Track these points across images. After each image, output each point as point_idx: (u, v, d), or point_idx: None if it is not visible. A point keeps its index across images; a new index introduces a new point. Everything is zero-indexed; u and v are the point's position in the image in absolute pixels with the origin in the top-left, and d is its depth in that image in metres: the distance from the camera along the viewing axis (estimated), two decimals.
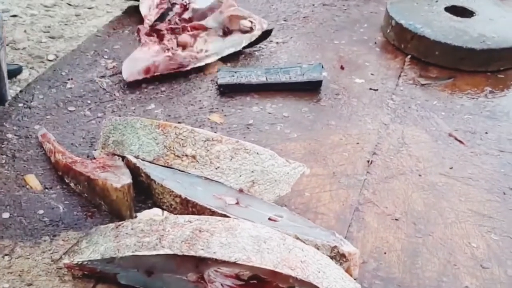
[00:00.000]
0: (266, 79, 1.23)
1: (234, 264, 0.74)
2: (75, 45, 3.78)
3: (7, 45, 3.81)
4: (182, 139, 0.94)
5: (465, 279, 0.86)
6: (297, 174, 0.91)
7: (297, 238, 0.80)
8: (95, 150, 1.03)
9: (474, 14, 1.47)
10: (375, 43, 1.46)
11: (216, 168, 0.92)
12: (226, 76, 1.23)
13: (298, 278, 0.73)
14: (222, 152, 0.92)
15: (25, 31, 3.98)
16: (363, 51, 1.42)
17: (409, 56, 1.40)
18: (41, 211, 0.91)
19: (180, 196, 0.88)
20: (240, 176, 0.92)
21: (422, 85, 1.31)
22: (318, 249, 0.79)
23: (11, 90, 2.41)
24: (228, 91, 1.22)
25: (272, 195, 0.91)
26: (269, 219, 0.86)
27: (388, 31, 1.45)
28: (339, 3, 1.65)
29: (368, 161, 1.07)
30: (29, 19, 3.63)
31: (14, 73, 3.53)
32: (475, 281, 0.86)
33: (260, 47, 1.40)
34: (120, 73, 1.23)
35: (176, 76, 1.26)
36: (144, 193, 0.94)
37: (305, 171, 0.92)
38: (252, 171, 0.91)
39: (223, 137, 0.93)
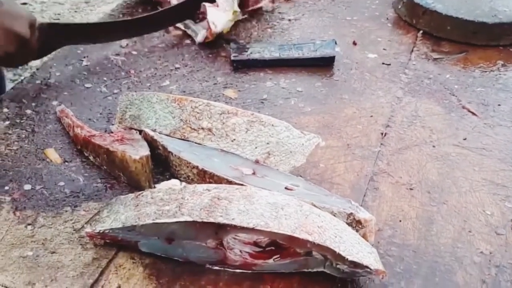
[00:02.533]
0: (279, 55, 1.24)
1: (252, 230, 0.75)
2: None
3: None
4: (198, 112, 0.95)
5: (479, 245, 0.87)
6: (312, 145, 0.92)
7: (314, 206, 0.81)
8: (113, 124, 1.04)
9: None
10: (387, 19, 1.46)
11: (232, 141, 0.93)
12: (239, 52, 1.24)
13: (315, 243, 0.74)
14: (238, 124, 0.93)
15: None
16: (375, 27, 1.42)
17: (421, 31, 1.41)
18: (61, 183, 0.93)
19: (197, 167, 0.89)
20: (256, 147, 0.93)
21: (435, 59, 1.31)
22: (334, 215, 0.81)
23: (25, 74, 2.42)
24: (241, 66, 1.23)
25: (287, 166, 0.92)
26: (286, 188, 0.87)
27: (400, 6, 1.46)
28: None
29: (382, 133, 1.08)
30: (39, 6, 3.64)
31: None
32: (489, 247, 0.87)
33: (272, 24, 1.41)
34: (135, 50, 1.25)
35: (188, 52, 1.28)
36: (162, 165, 0.96)
37: (320, 142, 0.93)
38: (268, 143, 0.93)
39: (238, 109, 0.94)
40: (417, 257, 0.85)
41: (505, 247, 0.87)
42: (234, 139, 0.93)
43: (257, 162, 0.92)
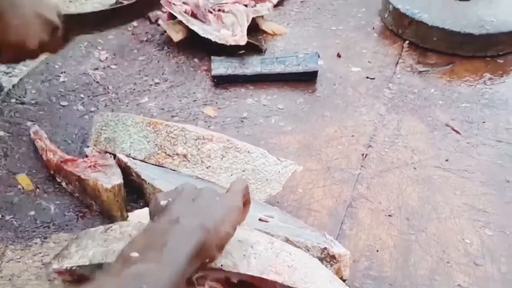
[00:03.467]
0: (261, 69, 1.22)
1: (221, 270, 0.73)
2: None
3: None
4: (173, 138, 0.93)
5: (457, 277, 0.85)
6: (289, 172, 0.91)
7: (287, 240, 0.79)
8: (87, 147, 1.02)
9: None
10: (373, 28, 1.44)
11: (207, 167, 0.92)
12: (220, 66, 1.22)
13: (284, 284, 0.72)
14: (213, 150, 0.91)
15: None
16: (361, 37, 1.40)
17: (407, 42, 1.38)
18: (32, 212, 0.91)
19: None
20: (231, 175, 0.91)
21: (420, 72, 1.29)
22: (308, 250, 0.79)
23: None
24: (222, 82, 1.20)
25: (263, 195, 0.90)
26: (260, 219, 0.85)
27: (386, 15, 1.43)
28: None
29: (363, 154, 1.06)
30: None
31: None
32: (467, 279, 0.85)
33: (257, 33, 1.38)
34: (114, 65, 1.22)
35: (169, 66, 1.26)
36: (136, 192, 0.94)
37: (297, 169, 0.91)
38: (243, 170, 0.91)
39: (213, 135, 0.92)
40: None
41: (483, 279, 0.85)
42: (210, 166, 0.91)
43: None
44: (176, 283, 0.58)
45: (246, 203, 0.73)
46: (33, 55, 0.97)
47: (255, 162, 0.91)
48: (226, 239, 0.67)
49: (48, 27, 0.96)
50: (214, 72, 1.20)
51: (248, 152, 0.92)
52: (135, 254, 0.59)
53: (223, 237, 0.66)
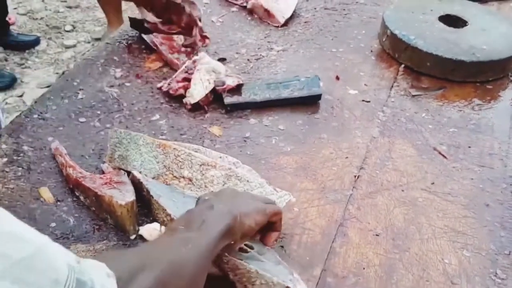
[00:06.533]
0: (269, 95, 1.31)
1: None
2: (91, 15, 3.88)
3: (25, 14, 3.90)
4: (180, 161, 1.03)
5: None
6: (283, 202, 1.00)
7: (257, 273, 0.86)
8: (104, 162, 1.12)
9: (467, 24, 1.53)
10: (371, 51, 1.53)
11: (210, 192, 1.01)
12: (231, 94, 1.30)
13: None
14: (216, 177, 1.01)
15: (42, 0, 4.06)
16: (359, 60, 1.49)
17: (402, 66, 1.47)
18: (53, 224, 1.01)
19: (170, 215, 0.97)
20: None
21: (413, 96, 1.38)
22: (273, 285, 0.86)
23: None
24: (235, 109, 1.29)
25: None
26: (240, 249, 0.92)
27: (384, 39, 1.52)
28: (340, 7, 1.71)
29: (355, 176, 1.15)
30: None
31: (32, 44, 3.64)
32: None
33: (261, 54, 1.48)
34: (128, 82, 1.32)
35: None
36: (147, 207, 1.03)
37: (291, 200, 1.00)
38: None
39: (217, 163, 1.01)
40: None
41: None
42: (212, 191, 1.00)
43: None
44: (210, 251, 0.78)
45: (275, 227, 0.95)
46: None
47: (253, 190, 1.00)
48: (248, 230, 0.87)
49: None
50: (226, 101, 1.29)
51: (248, 181, 1.01)
52: (181, 226, 0.80)
53: (247, 228, 0.86)
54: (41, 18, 3.94)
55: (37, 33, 3.81)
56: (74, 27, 3.87)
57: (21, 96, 3.21)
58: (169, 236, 0.80)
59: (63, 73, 3.35)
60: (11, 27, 3.65)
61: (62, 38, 3.75)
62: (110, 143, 1.09)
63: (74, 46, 3.68)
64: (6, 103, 3.06)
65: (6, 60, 3.48)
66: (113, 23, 3.42)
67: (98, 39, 3.69)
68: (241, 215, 0.85)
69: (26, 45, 3.65)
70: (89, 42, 3.71)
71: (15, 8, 3.94)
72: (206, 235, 0.79)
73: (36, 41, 3.70)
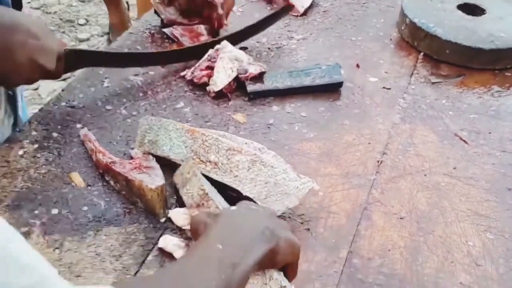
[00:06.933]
0: (291, 83, 1.32)
1: None
2: (104, 9, 3.90)
3: (38, 8, 3.93)
4: (207, 146, 1.05)
5: (460, 275, 0.97)
6: (306, 189, 1.02)
7: None
8: (132, 148, 1.14)
9: (485, 12, 1.54)
10: (390, 39, 1.54)
11: (235, 176, 1.03)
12: (253, 81, 1.32)
13: None
14: (241, 162, 1.02)
15: None
16: (378, 48, 1.50)
17: (421, 54, 1.49)
18: (85, 208, 1.03)
19: (205, 190, 0.99)
20: (255, 186, 1.02)
21: (433, 83, 1.39)
22: None
23: None
24: (257, 97, 1.31)
25: (282, 206, 1.01)
26: None
27: (403, 28, 1.54)
28: None
29: (378, 161, 1.17)
30: None
31: None
32: (469, 278, 0.96)
33: (281, 43, 1.49)
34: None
35: None
36: (176, 193, 1.05)
37: (314, 187, 1.02)
38: (266, 183, 1.02)
39: (243, 148, 1.03)
40: (402, 287, 0.95)
41: (483, 278, 0.96)
42: (237, 176, 1.02)
43: None
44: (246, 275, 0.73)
45: (290, 270, 0.83)
46: (27, 83, 1.11)
47: (277, 176, 1.02)
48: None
49: (41, 69, 1.08)
50: (249, 89, 1.31)
51: (272, 166, 1.02)
52: (219, 246, 0.73)
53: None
54: (55, 12, 3.97)
55: (50, 27, 3.83)
56: (87, 21, 3.89)
57: (36, 89, 3.24)
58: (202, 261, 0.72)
59: None
60: None
61: (76, 32, 3.78)
62: (141, 129, 1.12)
63: (88, 39, 3.71)
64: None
65: None
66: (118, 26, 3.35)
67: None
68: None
69: None
70: (102, 36, 3.74)
71: (28, 2, 3.97)
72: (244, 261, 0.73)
73: None
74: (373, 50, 1.50)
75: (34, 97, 3.15)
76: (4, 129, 1.25)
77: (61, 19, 3.93)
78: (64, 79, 3.07)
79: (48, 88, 3.17)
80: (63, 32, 3.79)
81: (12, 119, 1.28)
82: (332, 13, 1.64)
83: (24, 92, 1.44)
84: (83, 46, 3.60)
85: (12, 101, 1.28)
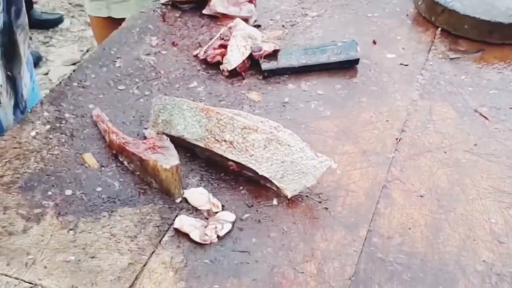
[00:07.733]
0: (306, 61, 1.30)
1: None
2: None
3: None
4: (222, 125, 1.02)
5: (482, 253, 0.94)
6: (324, 167, 1.00)
7: None
8: (146, 128, 1.12)
9: None
10: (407, 15, 1.51)
11: (251, 156, 1.01)
12: (268, 60, 1.29)
13: None
14: (257, 141, 1.00)
15: None
16: (395, 24, 1.47)
17: (439, 29, 1.45)
18: (99, 188, 1.02)
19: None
20: (272, 165, 1.00)
21: (451, 59, 1.36)
22: None
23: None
24: (272, 75, 1.29)
25: (298, 186, 0.99)
26: None
27: (420, 3, 1.50)
28: None
29: (397, 139, 1.15)
30: None
31: (55, 22, 3.66)
32: (492, 255, 0.94)
33: (295, 21, 1.46)
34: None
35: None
36: (191, 172, 1.03)
37: (332, 165, 1.00)
38: (283, 162, 1.00)
39: (258, 126, 1.01)
40: (423, 265, 0.92)
41: (506, 256, 0.94)
42: (253, 155, 1.00)
43: None
44: None
45: None
46: None
47: (294, 155, 1.00)
48: None
49: None
50: (264, 67, 1.28)
51: (289, 145, 1.00)
52: None
53: None
54: None
55: (60, 11, 3.82)
56: None
57: (46, 74, 3.23)
58: None
59: (87, 50, 3.37)
60: (34, 6, 3.67)
61: (85, 16, 3.75)
62: (155, 109, 1.10)
63: None
64: None
65: (30, 39, 3.50)
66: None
67: None
68: None
69: (50, 24, 3.67)
70: None
71: None
72: None
73: (60, 20, 3.72)
74: (390, 26, 1.46)
75: (44, 82, 3.14)
76: (7, 110, 1.23)
77: (70, 3, 3.91)
78: (74, 63, 3.08)
79: (58, 73, 3.16)
80: (73, 17, 3.78)
81: (13, 100, 1.26)
82: None
83: (35, 76, 1.42)
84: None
85: (11, 83, 1.25)
